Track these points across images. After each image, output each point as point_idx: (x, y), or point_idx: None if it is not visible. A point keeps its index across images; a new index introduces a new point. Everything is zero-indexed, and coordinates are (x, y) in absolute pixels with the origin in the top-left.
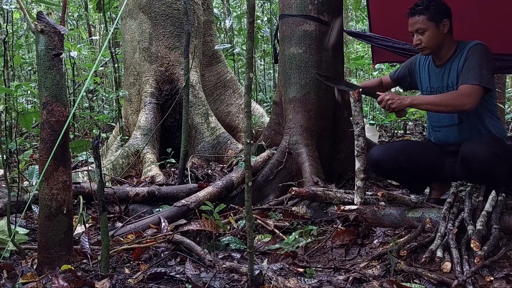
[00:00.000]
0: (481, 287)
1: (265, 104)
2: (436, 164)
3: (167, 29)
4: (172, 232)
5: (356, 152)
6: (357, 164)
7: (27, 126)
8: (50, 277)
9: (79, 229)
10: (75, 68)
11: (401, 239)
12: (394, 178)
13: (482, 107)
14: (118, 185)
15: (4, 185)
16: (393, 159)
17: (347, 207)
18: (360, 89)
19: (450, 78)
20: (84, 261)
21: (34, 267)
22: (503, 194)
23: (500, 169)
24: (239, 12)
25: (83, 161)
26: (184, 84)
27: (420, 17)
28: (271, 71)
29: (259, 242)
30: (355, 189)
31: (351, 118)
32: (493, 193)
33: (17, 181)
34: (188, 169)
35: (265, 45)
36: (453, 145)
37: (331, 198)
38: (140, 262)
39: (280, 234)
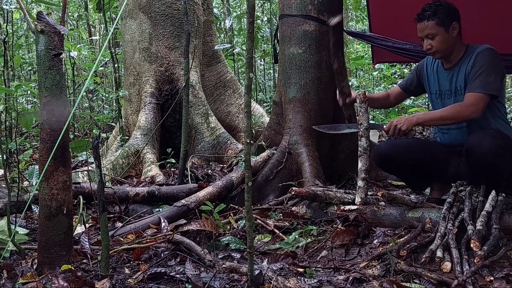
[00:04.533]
0: (481, 287)
1: (265, 104)
2: (441, 163)
3: (167, 29)
4: (172, 232)
5: (358, 152)
6: (359, 164)
7: (27, 126)
8: (50, 277)
9: (79, 229)
10: (75, 68)
11: (401, 239)
12: (398, 175)
13: (490, 111)
14: (118, 185)
15: (4, 185)
16: (400, 155)
17: (347, 207)
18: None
19: (458, 82)
20: (84, 261)
21: (34, 267)
22: (503, 194)
23: (504, 162)
24: (239, 12)
25: (83, 161)
26: (184, 84)
27: (429, 22)
28: (271, 71)
29: (259, 242)
30: (357, 189)
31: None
32: (493, 193)
33: (17, 181)
34: (188, 169)
35: (265, 45)
36: (460, 146)
37: (331, 198)
38: (140, 262)
39: (280, 234)
